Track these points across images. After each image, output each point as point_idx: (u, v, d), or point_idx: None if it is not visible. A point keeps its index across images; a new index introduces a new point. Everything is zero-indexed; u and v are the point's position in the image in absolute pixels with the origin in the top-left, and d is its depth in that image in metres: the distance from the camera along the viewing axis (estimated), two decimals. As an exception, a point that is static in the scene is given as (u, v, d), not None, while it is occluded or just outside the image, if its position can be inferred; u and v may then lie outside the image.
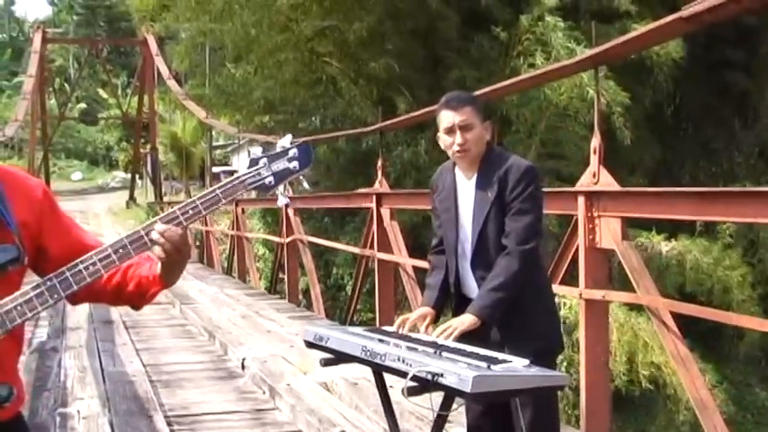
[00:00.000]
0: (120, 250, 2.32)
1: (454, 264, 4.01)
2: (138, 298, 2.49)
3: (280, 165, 2.48)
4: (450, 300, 4.09)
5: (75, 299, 2.40)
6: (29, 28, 79.27)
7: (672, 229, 14.60)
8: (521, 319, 3.81)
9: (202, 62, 25.18)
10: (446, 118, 3.95)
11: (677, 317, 5.59)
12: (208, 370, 8.73)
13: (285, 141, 2.51)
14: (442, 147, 4.01)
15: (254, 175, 2.46)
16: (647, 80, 16.30)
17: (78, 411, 6.71)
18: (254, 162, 2.47)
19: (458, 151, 3.90)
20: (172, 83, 43.34)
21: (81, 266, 2.28)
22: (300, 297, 15.58)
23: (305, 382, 7.42)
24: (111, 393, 7.37)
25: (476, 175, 3.93)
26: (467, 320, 3.76)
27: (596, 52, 5.93)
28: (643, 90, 16.42)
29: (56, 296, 2.27)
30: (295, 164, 2.49)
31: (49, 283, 2.26)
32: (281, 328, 10.58)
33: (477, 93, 6.34)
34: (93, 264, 2.29)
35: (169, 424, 6.51)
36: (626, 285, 6.38)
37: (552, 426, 4.00)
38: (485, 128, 3.95)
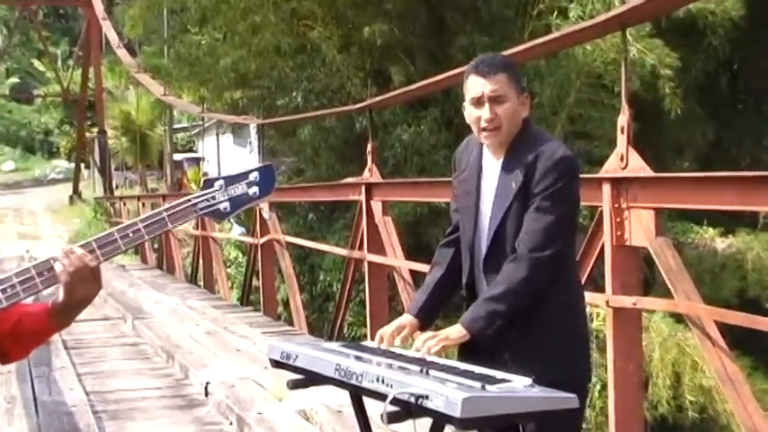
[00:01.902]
0: (18, 284, 2.40)
1: (469, 260, 3.98)
2: (14, 341, 2.56)
3: (238, 189, 2.58)
4: (450, 304, 4.12)
5: None
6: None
7: (729, 223, 14.62)
8: (536, 342, 3.78)
9: (160, 27, 25.22)
10: (474, 86, 3.87)
11: (728, 329, 5.61)
12: (164, 397, 8.81)
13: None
14: (468, 120, 3.93)
15: (207, 199, 2.54)
16: (698, 44, 16.27)
17: (4, 450, 6.80)
18: (208, 184, 2.55)
19: (485, 128, 3.85)
20: (122, 52, 43.22)
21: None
22: (280, 309, 15.65)
23: (279, 409, 7.49)
24: (44, 428, 7.46)
25: (502, 159, 3.89)
26: (453, 332, 3.77)
27: (623, 11, 5.98)
28: (693, 56, 16.39)
29: None
30: (255, 189, 2.59)
31: None
32: (252, 346, 10.64)
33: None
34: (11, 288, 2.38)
35: (115, 463, 6.60)
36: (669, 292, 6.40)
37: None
38: (521, 102, 3.88)
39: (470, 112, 3.89)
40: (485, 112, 3.83)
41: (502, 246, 3.83)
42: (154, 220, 2.50)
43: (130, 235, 2.48)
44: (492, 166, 3.92)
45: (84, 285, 2.43)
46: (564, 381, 3.45)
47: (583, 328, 4.06)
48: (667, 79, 14.55)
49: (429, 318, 4.04)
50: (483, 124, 3.83)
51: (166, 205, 2.53)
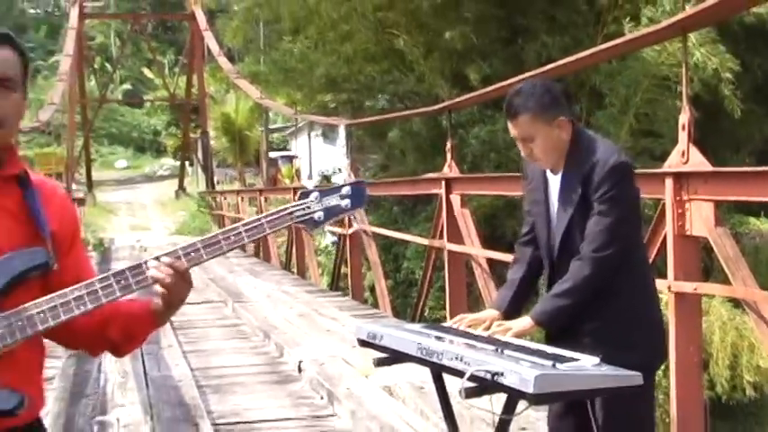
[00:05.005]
0: (122, 282, 2.45)
1: (547, 260, 4.02)
2: (127, 338, 2.60)
3: (331, 201, 2.60)
4: (535, 297, 4.14)
5: (51, 332, 2.49)
6: (65, 2, 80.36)
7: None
8: (610, 329, 3.81)
9: (257, 37, 25.42)
10: (509, 126, 3.95)
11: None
12: (261, 373, 8.89)
13: (340, 179, 2.62)
14: None
15: (303, 209, 2.58)
16: (761, 46, 15.99)
17: (118, 419, 6.90)
18: (304, 195, 2.59)
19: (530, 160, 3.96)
20: (223, 60, 43.82)
21: (98, 285, 2.43)
22: (366, 294, 15.71)
23: (366, 385, 7.53)
24: (154, 400, 7.56)
25: (561, 173, 3.92)
26: (521, 324, 3.84)
27: (683, 17, 5.92)
28: (754, 57, 16.13)
29: (82, 306, 2.41)
30: (347, 202, 2.61)
31: (76, 292, 2.41)
32: (342, 328, 10.69)
33: (549, 67, 6.35)
34: (106, 288, 2.44)
35: (217, 432, 6.67)
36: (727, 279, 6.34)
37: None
38: (557, 126, 3.86)
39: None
40: (522, 150, 3.92)
41: (570, 248, 3.88)
42: (254, 225, 2.54)
43: (232, 238, 2.53)
44: (554, 179, 3.95)
45: (179, 289, 2.49)
46: (635, 365, 3.43)
47: (654, 315, 4.05)
48: (728, 82, 14.36)
49: (513, 312, 4.04)
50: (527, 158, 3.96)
51: (266, 212, 2.56)
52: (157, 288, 2.47)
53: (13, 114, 2.46)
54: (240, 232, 2.53)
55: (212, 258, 2.52)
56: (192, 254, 2.49)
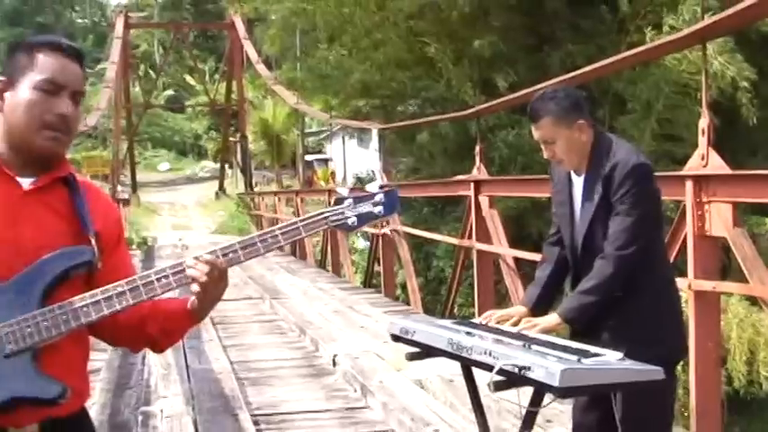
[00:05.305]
0: (163, 280, 2.48)
1: (571, 259, 4.05)
2: (165, 334, 2.64)
3: (364, 208, 2.61)
4: (558, 295, 4.15)
5: (94, 328, 2.54)
6: (111, 12, 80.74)
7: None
8: (631, 326, 3.82)
9: (293, 44, 25.47)
10: (532, 129, 3.99)
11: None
12: (297, 367, 8.93)
13: (374, 186, 2.64)
14: None
15: (337, 214, 2.60)
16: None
17: (161, 410, 6.94)
18: (339, 201, 2.61)
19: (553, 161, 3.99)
20: (261, 67, 43.99)
21: (140, 282, 2.46)
22: (398, 291, 15.72)
23: (398, 379, 7.55)
24: (195, 391, 7.61)
25: (584, 174, 3.94)
26: (549, 320, 3.87)
27: (703, 26, 5.90)
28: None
29: (124, 302, 2.45)
30: (380, 209, 2.62)
31: (119, 288, 2.45)
32: (375, 324, 10.71)
33: (571, 75, 6.34)
34: (151, 283, 2.47)
35: (256, 423, 6.70)
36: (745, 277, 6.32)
37: (660, 426, 4.01)
38: (577, 129, 3.89)
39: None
40: (545, 152, 3.96)
41: (592, 247, 3.90)
42: (290, 228, 2.56)
43: (269, 240, 2.54)
44: (578, 181, 3.98)
45: (216, 288, 2.52)
46: (657, 360, 3.43)
47: (675, 312, 4.07)
48: (745, 90, 14.32)
49: (541, 309, 4.06)
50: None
51: (302, 216, 2.59)
52: (194, 287, 2.49)
53: (78, 125, 2.55)
54: (277, 235, 2.55)
55: (250, 259, 2.54)
56: (231, 255, 2.52)
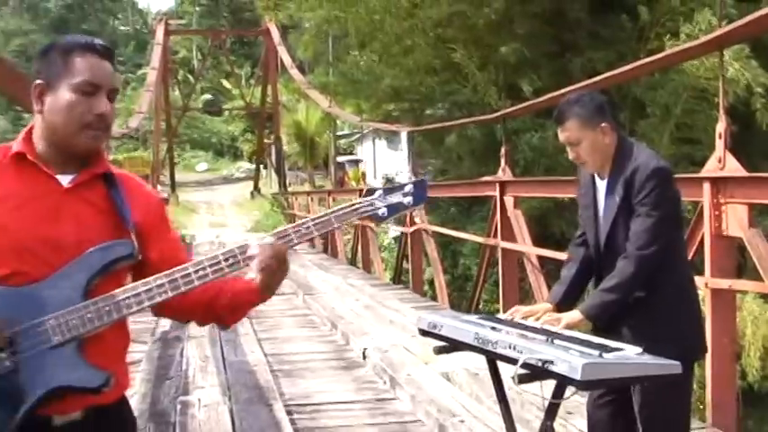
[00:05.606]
0: (217, 265, 2.51)
1: (595, 259, 4.05)
2: (231, 311, 2.66)
3: (394, 198, 2.62)
4: (582, 293, 4.15)
5: (163, 309, 2.58)
6: (152, 20, 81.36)
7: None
8: (652, 323, 3.82)
9: (326, 50, 25.55)
10: (558, 131, 4.01)
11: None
12: (329, 360, 8.93)
13: (403, 178, 2.65)
14: None
15: (368, 205, 2.61)
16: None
17: (199, 399, 6.96)
18: (369, 192, 2.62)
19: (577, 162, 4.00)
20: (295, 72, 44.09)
21: (191, 270, 2.49)
22: (426, 288, 15.72)
23: (425, 372, 7.55)
24: (231, 382, 7.63)
25: (607, 177, 3.95)
26: (571, 317, 3.85)
27: (720, 33, 5.89)
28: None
29: (164, 294, 2.48)
30: (409, 199, 2.63)
31: (159, 280, 2.48)
32: (403, 318, 10.69)
33: (593, 80, 6.33)
34: (202, 269, 2.50)
35: (289, 413, 6.71)
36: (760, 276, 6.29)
37: (677, 420, 3.98)
38: (601, 132, 3.90)
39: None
40: (569, 154, 3.98)
41: (614, 247, 3.90)
42: (322, 219, 2.57)
43: (302, 230, 2.56)
44: (601, 184, 3.99)
45: (282, 268, 2.54)
46: (675, 356, 3.41)
47: (693, 310, 4.06)
48: (759, 96, 14.27)
49: (565, 306, 4.06)
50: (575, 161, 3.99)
51: (334, 208, 2.59)
52: (255, 268, 2.52)
53: (114, 120, 2.57)
54: (309, 226, 2.56)
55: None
56: (280, 240, 2.54)
